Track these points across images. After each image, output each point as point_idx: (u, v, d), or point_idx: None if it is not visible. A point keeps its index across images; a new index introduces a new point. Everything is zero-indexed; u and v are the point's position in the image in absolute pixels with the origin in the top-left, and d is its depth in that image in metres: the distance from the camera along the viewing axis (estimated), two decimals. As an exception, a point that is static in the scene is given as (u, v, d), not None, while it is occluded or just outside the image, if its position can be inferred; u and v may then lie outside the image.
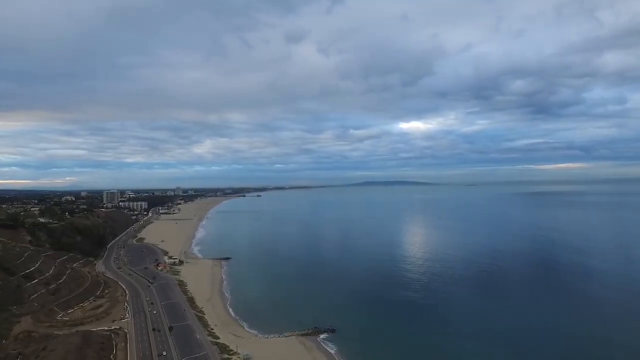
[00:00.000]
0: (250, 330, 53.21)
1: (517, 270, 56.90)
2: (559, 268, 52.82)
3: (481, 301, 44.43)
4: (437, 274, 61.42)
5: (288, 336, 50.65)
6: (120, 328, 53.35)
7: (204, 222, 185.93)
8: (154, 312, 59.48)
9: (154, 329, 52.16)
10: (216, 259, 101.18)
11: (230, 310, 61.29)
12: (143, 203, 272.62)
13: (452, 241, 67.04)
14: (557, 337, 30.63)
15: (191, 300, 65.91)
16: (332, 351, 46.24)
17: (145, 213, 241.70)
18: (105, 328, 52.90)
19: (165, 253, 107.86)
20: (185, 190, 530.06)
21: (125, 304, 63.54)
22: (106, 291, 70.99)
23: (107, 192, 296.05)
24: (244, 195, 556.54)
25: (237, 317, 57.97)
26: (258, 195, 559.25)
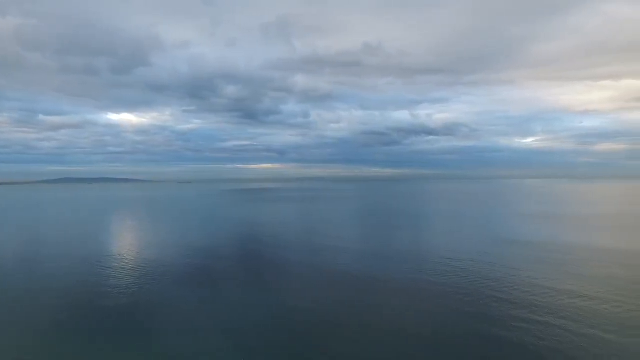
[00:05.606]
0: None
1: (228, 264, 60.42)
2: (262, 259, 59.61)
3: (195, 297, 44.30)
4: (147, 276, 57.16)
5: None
6: None
7: None
8: None
9: None
10: None
11: None
12: None
13: (163, 240, 64.29)
14: (262, 319, 33.96)
15: None
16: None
17: None
18: None
19: None
20: None
21: None
22: None
23: None
24: None
25: None
26: None
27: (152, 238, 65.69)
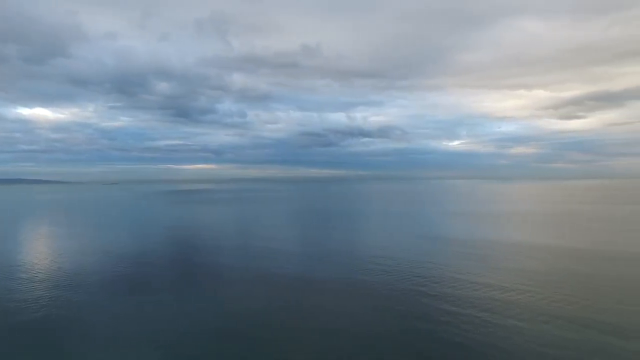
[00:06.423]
0: None
1: (158, 271, 56.86)
2: (196, 264, 57.06)
3: (122, 307, 40.90)
4: (67, 287, 51.89)
5: None
6: None
7: None
8: None
9: None
10: None
11: None
12: None
13: (84, 247, 59.06)
14: (196, 327, 32.26)
15: None
16: None
17: None
18: None
19: None
20: None
21: None
22: None
23: None
24: None
25: None
26: None
27: (70, 245, 60.45)
